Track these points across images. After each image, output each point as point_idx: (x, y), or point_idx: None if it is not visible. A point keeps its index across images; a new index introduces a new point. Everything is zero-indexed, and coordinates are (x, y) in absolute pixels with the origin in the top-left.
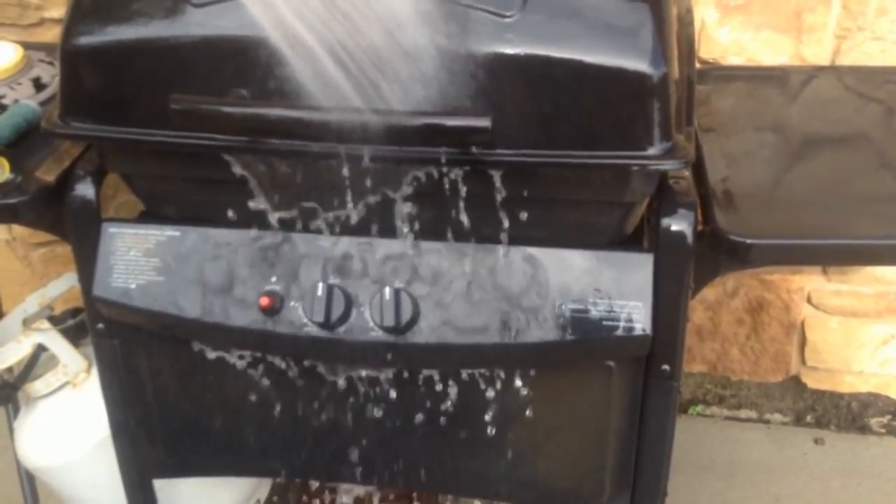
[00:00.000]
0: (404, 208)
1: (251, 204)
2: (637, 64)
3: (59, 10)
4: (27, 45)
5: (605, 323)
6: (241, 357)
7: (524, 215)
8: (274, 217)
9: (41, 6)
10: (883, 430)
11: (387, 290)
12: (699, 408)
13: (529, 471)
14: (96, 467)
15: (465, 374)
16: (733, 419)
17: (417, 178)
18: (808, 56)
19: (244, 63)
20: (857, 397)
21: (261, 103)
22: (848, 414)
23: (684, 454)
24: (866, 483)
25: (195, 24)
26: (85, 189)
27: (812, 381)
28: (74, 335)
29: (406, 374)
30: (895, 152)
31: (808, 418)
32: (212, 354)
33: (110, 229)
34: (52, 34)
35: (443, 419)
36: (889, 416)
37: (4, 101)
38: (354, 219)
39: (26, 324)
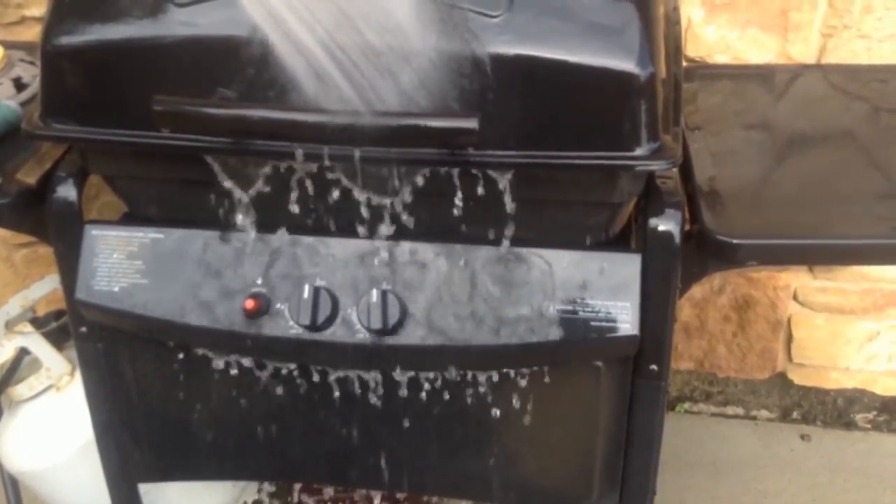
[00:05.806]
0: (391, 209)
1: (235, 205)
2: (624, 64)
3: (40, 9)
4: (7, 45)
5: (592, 323)
6: (226, 360)
7: (511, 216)
8: (258, 219)
9: (22, 4)
10: (868, 426)
11: (374, 291)
12: (686, 405)
13: (518, 471)
14: (80, 471)
15: (452, 375)
16: (720, 416)
17: (404, 179)
18: (795, 54)
19: (228, 63)
20: (842, 393)
21: (244, 104)
22: (834, 410)
23: (672, 451)
24: (852, 479)
25: (178, 23)
26: (67, 191)
27: (798, 378)
28: (58, 338)
29: (392, 376)
30: (881, 151)
31: (795, 414)
32: (196, 357)
33: (93, 231)
34: (33, 33)
35: (430, 420)
36: (874, 412)
37: None
38: (341, 220)
39: (9, 326)
